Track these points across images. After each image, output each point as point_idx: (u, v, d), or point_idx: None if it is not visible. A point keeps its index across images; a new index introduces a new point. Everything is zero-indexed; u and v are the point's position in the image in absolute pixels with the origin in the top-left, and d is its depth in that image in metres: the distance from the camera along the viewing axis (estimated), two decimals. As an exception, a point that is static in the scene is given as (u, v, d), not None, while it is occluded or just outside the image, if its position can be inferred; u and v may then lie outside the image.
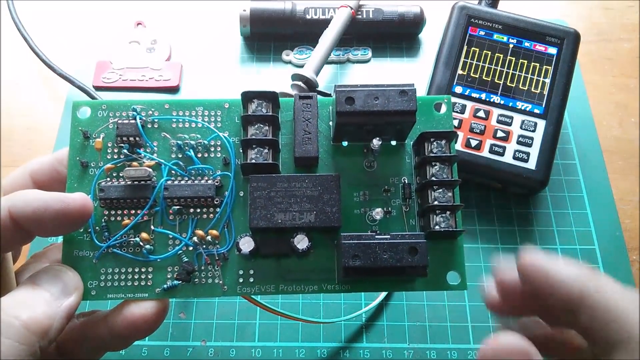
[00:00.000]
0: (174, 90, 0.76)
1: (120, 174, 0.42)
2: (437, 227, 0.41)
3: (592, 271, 0.36)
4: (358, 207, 0.44)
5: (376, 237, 0.39)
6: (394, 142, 0.45)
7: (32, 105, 0.75)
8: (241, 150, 0.43)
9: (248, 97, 0.42)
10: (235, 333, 0.60)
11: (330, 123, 0.45)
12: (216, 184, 0.42)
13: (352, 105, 0.40)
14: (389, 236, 0.39)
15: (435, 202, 0.41)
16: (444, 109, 0.45)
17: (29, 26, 0.75)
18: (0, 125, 0.72)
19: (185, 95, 0.76)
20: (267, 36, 0.80)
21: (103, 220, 0.42)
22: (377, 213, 0.42)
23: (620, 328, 0.34)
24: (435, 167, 0.42)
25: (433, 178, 0.42)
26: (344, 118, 0.40)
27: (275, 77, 0.78)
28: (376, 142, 0.43)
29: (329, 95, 0.70)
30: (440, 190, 0.42)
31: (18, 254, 0.45)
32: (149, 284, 0.41)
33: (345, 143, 0.45)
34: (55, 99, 0.75)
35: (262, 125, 0.41)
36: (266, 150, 0.41)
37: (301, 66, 0.76)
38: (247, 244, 0.41)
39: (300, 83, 0.70)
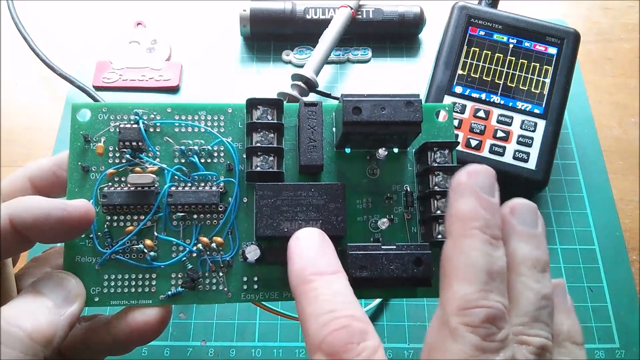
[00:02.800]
0: (174, 90, 0.76)
1: (123, 179, 0.42)
2: (439, 236, 0.41)
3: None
4: (361, 214, 0.44)
5: (382, 247, 0.39)
6: (396, 150, 0.45)
7: (32, 105, 0.74)
8: (245, 156, 0.43)
9: (253, 104, 0.42)
10: (235, 333, 0.60)
11: (334, 129, 0.45)
12: (220, 190, 0.42)
13: (359, 115, 0.40)
14: (394, 247, 0.39)
15: (438, 212, 0.42)
16: (445, 116, 0.46)
17: (29, 26, 0.75)
18: (0, 125, 0.72)
19: (185, 95, 0.76)
20: (267, 36, 0.80)
21: (105, 226, 0.42)
22: (383, 223, 0.42)
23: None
24: (439, 176, 0.42)
25: (436, 188, 0.42)
26: (351, 128, 0.40)
27: (275, 77, 0.78)
28: (382, 152, 0.43)
29: (329, 95, 0.71)
30: (443, 200, 0.42)
31: (17, 257, 0.45)
32: (152, 290, 0.41)
33: (348, 150, 0.45)
34: (55, 99, 0.75)
35: (267, 133, 0.41)
36: (272, 158, 0.41)
37: (301, 66, 0.76)
38: (253, 253, 0.41)
39: (300, 83, 0.70)
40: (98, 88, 0.74)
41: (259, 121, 0.41)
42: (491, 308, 0.32)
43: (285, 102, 0.43)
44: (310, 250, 0.37)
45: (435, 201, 0.42)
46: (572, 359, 0.36)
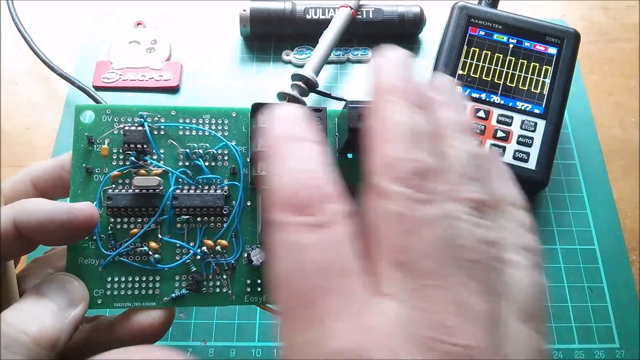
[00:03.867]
0: (174, 90, 0.75)
1: (127, 181, 0.42)
2: None
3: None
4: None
5: None
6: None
7: (32, 105, 0.74)
8: (248, 160, 0.43)
9: (258, 108, 0.42)
10: (235, 333, 0.60)
11: (337, 135, 0.45)
12: (224, 193, 0.42)
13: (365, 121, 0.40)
14: None
15: None
16: None
17: (29, 26, 0.75)
18: (0, 125, 0.72)
19: (185, 95, 0.76)
20: (267, 36, 0.80)
21: (109, 228, 0.42)
22: None
23: None
24: None
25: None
26: (357, 134, 0.40)
27: (275, 77, 0.78)
28: None
29: (329, 95, 0.71)
30: None
31: (18, 259, 0.45)
32: (156, 292, 0.41)
33: (350, 155, 0.44)
34: (55, 99, 0.75)
35: (271, 137, 0.41)
36: None
37: (301, 66, 0.76)
38: (258, 256, 0.41)
39: (300, 83, 0.70)
40: (98, 88, 0.74)
41: (265, 126, 0.41)
42: (420, 161, 0.29)
43: (286, 103, 0.43)
44: (292, 117, 0.33)
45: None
46: (515, 220, 0.34)
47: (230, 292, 0.42)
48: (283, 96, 0.69)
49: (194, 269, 0.41)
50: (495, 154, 0.37)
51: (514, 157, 0.65)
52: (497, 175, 0.36)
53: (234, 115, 0.44)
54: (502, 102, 0.67)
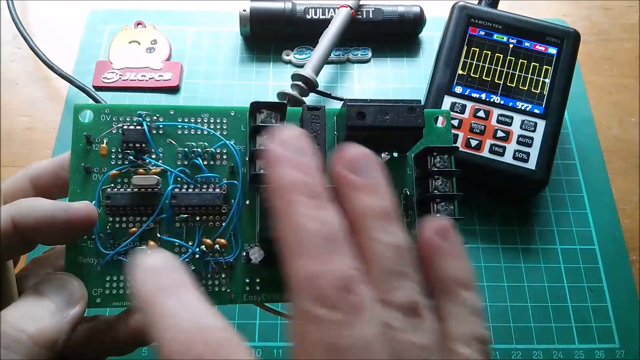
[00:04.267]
0: (174, 90, 0.75)
1: (125, 180, 0.42)
2: None
3: None
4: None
5: None
6: (395, 154, 0.45)
7: (32, 105, 0.74)
8: (247, 159, 0.43)
9: (257, 107, 0.42)
10: (236, 333, 0.60)
11: (335, 133, 0.45)
12: (223, 192, 0.42)
13: (363, 120, 0.40)
14: None
15: (437, 215, 0.42)
16: (443, 123, 0.46)
17: (29, 26, 0.75)
18: (0, 125, 0.72)
19: (185, 95, 0.76)
20: (267, 36, 0.80)
21: (108, 227, 0.41)
22: None
23: None
24: (439, 180, 0.42)
25: (436, 191, 0.42)
26: (355, 132, 0.40)
27: (275, 77, 0.78)
28: (384, 156, 0.43)
29: (329, 94, 0.71)
30: (443, 203, 0.42)
31: (18, 259, 0.45)
32: (155, 291, 0.41)
33: (348, 154, 0.45)
34: (55, 99, 0.75)
35: (271, 136, 0.41)
36: None
37: (301, 66, 0.76)
38: (256, 254, 0.41)
39: (300, 83, 0.70)
40: (98, 88, 0.74)
41: (263, 124, 0.41)
42: (337, 272, 0.28)
43: (285, 102, 0.43)
44: (157, 268, 0.32)
45: (435, 205, 0.42)
46: (464, 305, 0.33)
47: (229, 291, 0.42)
48: (283, 96, 0.69)
49: (193, 267, 0.41)
50: (445, 228, 0.34)
51: (514, 157, 0.65)
52: (446, 253, 0.34)
53: (232, 114, 0.44)
54: (502, 102, 0.67)
